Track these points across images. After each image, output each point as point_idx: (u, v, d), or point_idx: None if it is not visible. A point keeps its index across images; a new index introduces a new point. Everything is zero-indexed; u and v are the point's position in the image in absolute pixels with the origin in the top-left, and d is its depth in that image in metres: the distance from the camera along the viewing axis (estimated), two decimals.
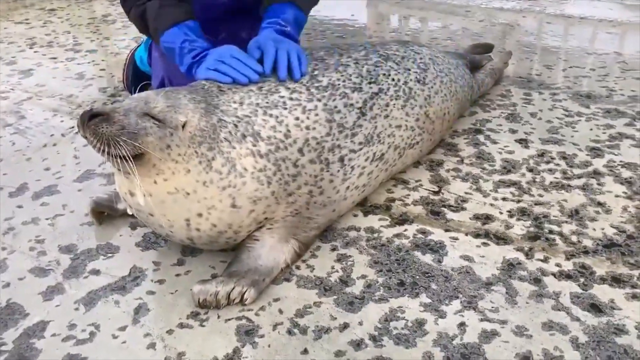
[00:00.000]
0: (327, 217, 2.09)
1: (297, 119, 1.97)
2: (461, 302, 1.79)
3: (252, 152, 1.86)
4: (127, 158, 1.67)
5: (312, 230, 2.04)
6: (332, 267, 1.96)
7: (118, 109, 1.73)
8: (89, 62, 3.96)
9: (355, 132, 2.08)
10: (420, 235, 2.09)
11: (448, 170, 2.46)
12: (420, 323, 1.72)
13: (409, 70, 2.35)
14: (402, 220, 2.18)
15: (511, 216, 2.17)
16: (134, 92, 1.86)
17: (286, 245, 1.96)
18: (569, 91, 3.15)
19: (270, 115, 1.94)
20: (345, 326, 1.72)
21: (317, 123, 2.00)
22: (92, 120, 1.67)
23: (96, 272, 1.98)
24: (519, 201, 2.25)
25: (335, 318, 1.75)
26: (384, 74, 2.25)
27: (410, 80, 2.32)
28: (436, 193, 2.32)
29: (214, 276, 1.93)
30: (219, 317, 1.77)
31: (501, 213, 2.19)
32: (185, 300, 1.84)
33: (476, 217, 2.17)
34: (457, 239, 2.06)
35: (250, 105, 1.94)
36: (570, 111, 2.92)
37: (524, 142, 2.65)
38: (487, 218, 2.16)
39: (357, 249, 2.04)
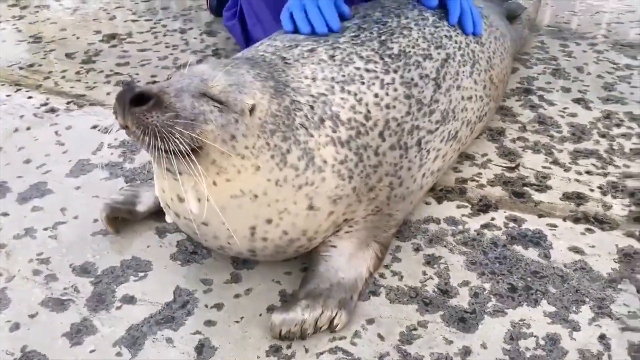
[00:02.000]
0: (406, 211, 1.74)
1: (376, 95, 1.59)
2: (590, 307, 1.50)
3: (332, 140, 1.47)
4: (185, 153, 1.26)
5: (392, 229, 1.69)
6: (424, 273, 1.62)
7: (168, 88, 1.29)
8: (43, 21, 3.34)
9: (433, 109, 1.72)
10: (512, 224, 1.78)
11: (514, 140, 2.15)
12: (553, 339, 1.42)
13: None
14: (484, 205, 1.85)
15: (604, 193, 1.89)
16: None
17: (367, 250, 1.60)
18: (608, 41, 2.88)
19: (349, 92, 1.54)
20: (466, 352, 1.40)
21: (396, 100, 1.63)
22: (136, 107, 1.23)
23: (130, 299, 1.56)
24: (605, 174, 1.97)
25: (451, 341, 1.43)
26: (446, 36, 1.87)
27: (470, 40, 1.96)
28: (511, 169, 2.00)
29: (283, 294, 1.56)
30: (307, 350, 1.42)
31: (592, 190, 1.90)
32: (258, 331, 1.46)
33: (566, 196, 1.88)
34: (555, 226, 1.77)
35: (325, 81, 1.53)
36: (618, 64, 2.66)
37: (583, 103, 2.36)
38: (580, 197, 1.87)
39: (445, 246, 1.71)
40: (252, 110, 1.35)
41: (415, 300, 1.54)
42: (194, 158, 1.27)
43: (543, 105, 2.35)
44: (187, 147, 1.26)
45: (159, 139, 1.24)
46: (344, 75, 1.57)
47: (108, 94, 2.53)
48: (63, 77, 2.68)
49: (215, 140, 1.31)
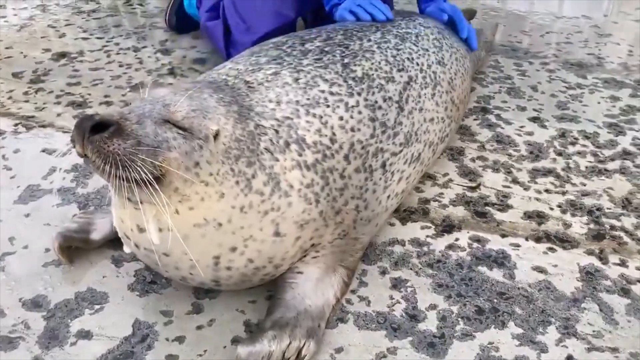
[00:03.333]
0: (372, 234, 1.72)
1: (341, 118, 1.57)
2: (557, 327, 1.51)
3: (298, 164, 1.44)
4: (147, 182, 1.21)
5: (358, 253, 1.66)
6: (391, 297, 1.60)
7: (129, 114, 1.24)
8: None
9: (397, 132, 1.72)
10: (476, 245, 1.78)
11: (473, 160, 2.16)
12: None
13: (427, 51, 2.00)
14: (448, 226, 1.85)
15: (563, 212, 1.91)
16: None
17: (334, 275, 1.57)
18: (558, 60, 2.96)
19: (314, 116, 1.52)
20: None
21: (361, 123, 1.61)
22: (96, 134, 1.17)
23: (86, 334, 1.48)
24: (563, 192, 2.00)
25: None
26: (408, 59, 1.88)
27: (432, 62, 1.97)
28: (472, 189, 2.01)
29: (248, 324, 1.51)
30: None
31: (552, 209, 1.93)
32: None
33: (527, 215, 1.90)
34: (518, 245, 1.78)
35: (289, 104, 1.50)
36: (569, 82, 2.73)
37: (538, 121, 2.41)
38: (540, 216, 1.89)
39: (410, 269, 1.69)
40: (216, 136, 1.31)
41: (384, 326, 1.51)
42: (156, 186, 1.22)
43: (500, 124, 2.38)
44: (149, 175, 1.21)
45: (120, 167, 1.18)
46: (308, 99, 1.54)
47: (59, 115, 2.43)
48: (10, 98, 2.57)
49: (179, 168, 1.26)
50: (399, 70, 1.81)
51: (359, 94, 1.65)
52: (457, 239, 1.80)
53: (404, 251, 1.75)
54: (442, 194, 2.00)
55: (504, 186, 2.03)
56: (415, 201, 1.96)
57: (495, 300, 1.59)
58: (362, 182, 1.60)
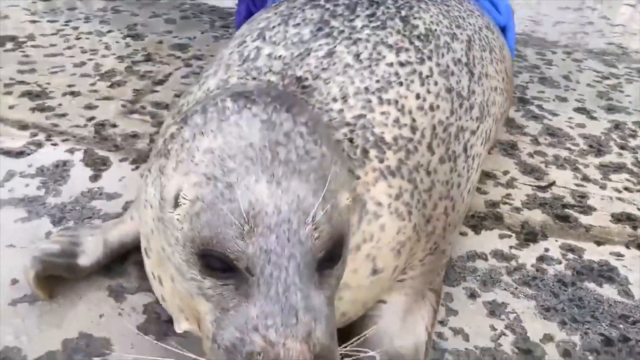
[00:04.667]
0: (454, 244, 1.34)
1: (418, 96, 1.19)
2: None
3: (381, 173, 1.05)
4: None
5: (443, 270, 1.28)
6: (493, 327, 1.22)
7: (314, 333, 0.74)
8: None
9: (472, 104, 1.36)
10: (571, 256, 1.44)
11: (531, 155, 1.84)
12: None
13: (473, 13, 1.65)
14: (530, 234, 1.50)
15: None
16: None
17: (423, 303, 1.18)
18: (580, 49, 2.70)
19: (389, 102, 1.13)
20: None
21: (439, 97, 1.24)
22: None
23: None
24: None
25: None
26: (459, 16, 1.53)
27: (482, 26, 1.63)
28: (543, 189, 1.67)
29: None
30: None
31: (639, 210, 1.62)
32: None
33: (617, 218, 1.58)
34: (621, 255, 1.45)
35: (358, 96, 1.10)
36: (601, 72, 2.48)
37: (586, 112, 2.12)
38: (631, 219, 1.58)
39: (504, 289, 1.32)
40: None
41: None
42: None
43: (546, 116, 2.08)
44: None
45: None
46: (378, 80, 1.15)
47: (11, 107, 1.92)
48: None
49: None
50: (457, 27, 1.45)
51: (430, 58, 1.27)
52: (546, 250, 1.45)
53: (489, 267, 1.38)
54: (509, 195, 1.65)
55: (577, 185, 1.71)
56: (481, 204, 1.60)
57: (620, 326, 1.24)
58: (448, 175, 1.23)
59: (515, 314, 1.26)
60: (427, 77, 1.23)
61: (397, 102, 1.14)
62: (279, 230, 0.75)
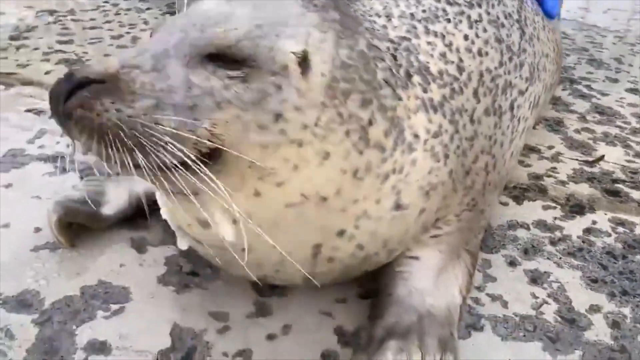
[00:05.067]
0: (493, 207, 1.26)
1: (466, 37, 1.12)
2: None
3: (423, 104, 0.98)
4: (196, 163, 0.75)
5: (481, 232, 1.21)
6: (534, 295, 1.14)
7: (139, 58, 0.78)
8: None
9: (522, 61, 1.29)
10: (621, 229, 1.34)
11: (578, 131, 1.74)
12: None
13: None
14: (576, 206, 1.41)
15: None
16: None
17: (457, 263, 1.11)
18: (632, 34, 2.57)
19: (435, 34, 1.06)
20: None
21: (488, 45, 1.17)
22: (77, 96, 0.73)
23: (101, 347, 0.98)
24: None
25: None
26: None
27: None
28: (591, 163, 1.57)
29: (341, 332, 1.03)
30: None
31: None
32: None
33: None
34: None
35: (403, 19, 1.05)
36: None
37: (639, 93, 1.99)
38: None
39: (547, 258, 1.24)
40: (303, 61, 0.83)
41: (537, 336, 1.04)
42: (208, 172, 0.76)
43: (595, 95, 1.97)
44: (191, 155, 0.75)
45: (136, 149, 0.73)
46: (424, 11, 1.09)
47: (47, 72, 1.92)
48: None
49: (246, 130, 0.79)
50: None
51: (479, 5, 1.20)
52: (594, 222, 1.35)
53: (531, 236, 1.30)
54: (554, 168, 1.55)
55: (629, 161, 1.60)
56: (524, 176, 1.51)
57: None
58: (492, 129, 1.15)
59: (558, 284, 1.17)
60: (476, 21, 1.17)
61: (444, 36, 1.09)
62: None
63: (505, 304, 1.11)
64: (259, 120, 0.79)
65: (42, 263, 1.14)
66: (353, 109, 0.87)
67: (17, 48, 2.10)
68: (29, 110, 1.69)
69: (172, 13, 2.51)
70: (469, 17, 1.15)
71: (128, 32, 2.28)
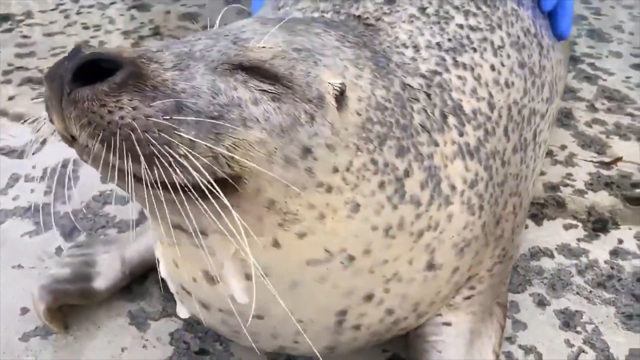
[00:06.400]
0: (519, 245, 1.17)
1: (492, 68, 1.01)
2: None
3: (460, 149, 0.88)
4: (209, 190, 0.63)
5: (509, 277, 1.12)
6: (569, 344, 1.07)
7: (159, 54, 0.66)
8: None
9: (543, 81, 1.18)
10: None
11: (589, 125, 1.64)
12: None
13: None
14: (599, 221, 1.33)
15: None
16: None
17: (490, 321, 1.03)
18: None
19: (464, 67, 0.95)
20: None
21: (513, 73, 1.06)
22: (86, 86, 0.60)
23: None
24: None
25: None
26: None
27: None
28: (607, 165, 1.48)
29: None
30: None
31: None
32: None
33: None
34: None
35: (430, 50, 0.93)
36: None
37: None
38: None
39: (577, 293, 1.16)
40: (341, 96, 0.73)
41: None
42: (226, 201, 0.64)
43: (600, 76, 1.86)
44: (208, 176, 0.62)
45: (142, 158, 0.61)
46: (449, 40, 0.97)
47: (11, 98, 1.76)
48: None
49: (271, 160, 0.67)
50: None
51: (500, 27, 1.08)
52: (620, 241, 1.28)
53: (557, 266, 1.22)
54: (570, 175, 1.46)
55: None
56: (539, 188, 1.42)
57: None
58: (518, 167, 1.06)
59: (592, 325, 1.10)
60: (499, 47, 1.05)
61: (472, 69, 0.97)
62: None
63: (540, 357, 1.04)
64: (285, 151, 0.68)
65: (34, 356, 1.04)
66: (389, 157, 0.78)
67: None
68: None
69: (139, 7, 2.32)
70: (492, 43, 1.03)
71: (93, 37, 2.09)
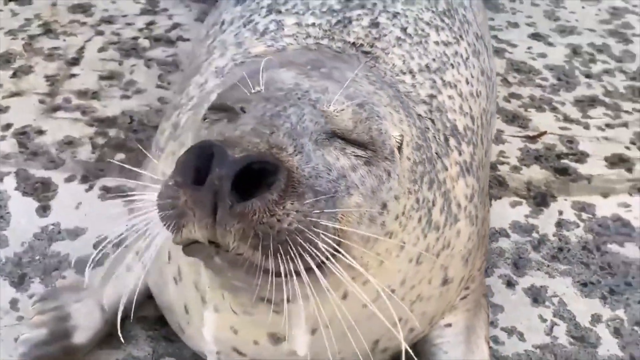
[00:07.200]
0: None
1: (467, 81, 1.05)
2: None
3: (461, 169, 0.93)
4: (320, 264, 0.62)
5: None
6: (542, 318, 1.18)
7: (277, 137, 0.63)
8: None
9: (494, 82, 1.26)
10: (584, 215, 1.41)
11: (507, 99, 1.76)
12: None
13: None
14: (539, 196, 1.45)
15: None
16: None
17: (480, 313, 1.10)
18: None
19: (451, 85, 0.99)
20: None
21: (478, 82, 1.11)
22: (260, 197, 0.57)
23: None
24: (625, 124, 1.69)
25: None
26: None
27: None
28: (532, 139, 1.61)
29: None
30: None
31: (628, 148, 1.61)
32: None
33: (611, 162, 1.57)
34: (628, 205, 1.44)
35: (423, 73, 0.95)
36: None
37: (542, 39, 2.05)
38: (623, 160, 1.57)
39: (537, 269, 1.28)
40: (400, 147, 0.75)
41: None
42: (336, 265, 0.63)
43: (505, 48, 1.98)
44: (328, 251, 0.62)
45: (294, 254, 0.59)
46: (434, 60, 0.99)
47: None
48: None
49: (361, 222, 0.68)
50: None
51: (462, 37, 1.12)
52: (561, 213, 1.41)
53: (514, 245, 1.32)
54: (503, 152, 1.57)
55: (562, 128, 1.66)
56: None
57: None
58: (487, 167, 1.13)
59: (557, 298, 1.22)
60: (467, 59, 1.09)
61: (456, 86, 1.00)
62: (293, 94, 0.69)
63: (521, 336, 1.14)
64: (371, 211, 0.69)
65: None
66: (425, 192, 0.81)
67: None
68: None
69: (18, 0, 2.06)
70: (461, 56, 1.07)
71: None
